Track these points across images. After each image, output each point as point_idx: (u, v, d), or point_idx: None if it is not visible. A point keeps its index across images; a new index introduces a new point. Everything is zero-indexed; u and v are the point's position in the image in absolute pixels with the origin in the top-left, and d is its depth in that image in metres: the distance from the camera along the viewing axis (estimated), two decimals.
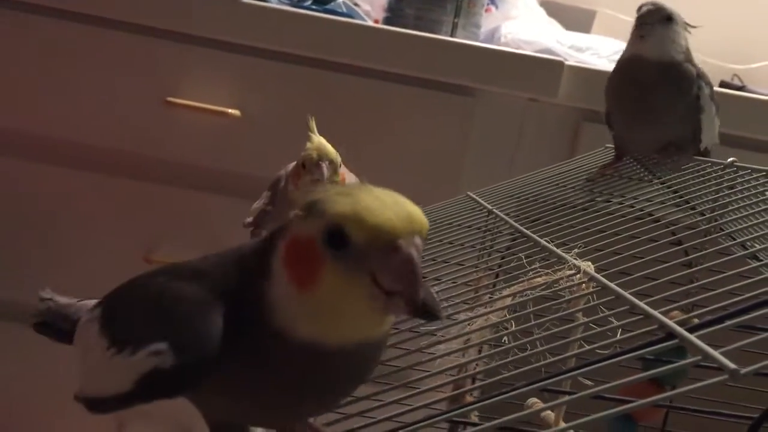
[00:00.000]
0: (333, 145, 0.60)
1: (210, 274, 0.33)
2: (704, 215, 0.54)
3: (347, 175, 0.62)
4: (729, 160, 0.54)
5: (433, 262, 0.59)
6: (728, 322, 0.30)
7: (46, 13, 0.92)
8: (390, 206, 0.29)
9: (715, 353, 0.26)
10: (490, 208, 0.60)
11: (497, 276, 0.59)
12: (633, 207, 0.54)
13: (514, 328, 0.42)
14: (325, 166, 0.57)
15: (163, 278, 0.34)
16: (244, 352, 0.31)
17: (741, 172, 0.52)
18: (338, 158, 0.59)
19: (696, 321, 0.38)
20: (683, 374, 0.49)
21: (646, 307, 0.32)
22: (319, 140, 0.60)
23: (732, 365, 0.25)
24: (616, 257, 0.41)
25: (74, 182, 0.94)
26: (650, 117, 0.64)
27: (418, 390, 0.39)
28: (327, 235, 0.29)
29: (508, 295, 0.44)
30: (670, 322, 0.30)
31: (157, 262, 0.93)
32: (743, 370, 0.25)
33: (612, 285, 0.36)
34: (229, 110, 0.93)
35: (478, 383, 0.49)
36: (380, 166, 0.99)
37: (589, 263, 0.41)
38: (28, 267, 0.95)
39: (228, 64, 0.94)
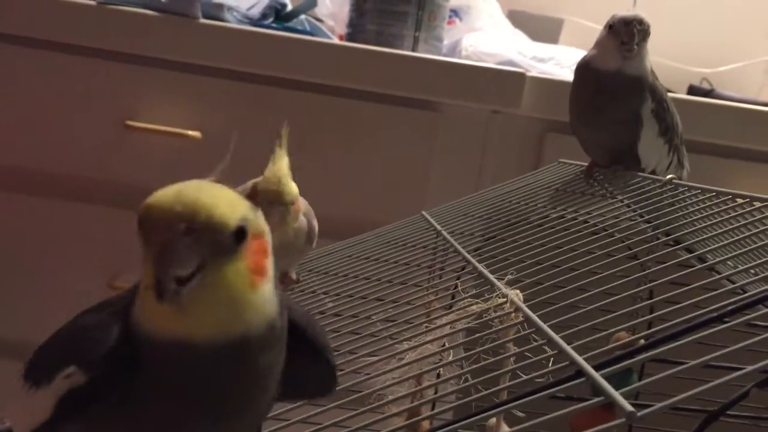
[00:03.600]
0: (291, 166, 0.57)
1: (113, 302, 0.34)
2: (652, 231, 0.53)
3: (301, 203, 0.60)
4: (667, 177, 0.54)
5: (377, 282, 0.58)
6: (637, 357, 0.29)
7: (1, 39, 0.91)
8: (175, 194, 0.29)
9: (616, 394, 0.25)
10: (439, 228, 0.60)
11: (453, 297, 0.58)
12: (588, 222, 0.53)
13: (450, 359, 0.42)
14: (279, 212, 0.53)
15: (75, 317, 0.35)
16: (136, 366, 0.31)
17: (680, 189, 0.52)
18: (292, 193, 0.55)
19: (642, 342, 0.37)
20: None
21: (561, 342, 0.32)
22: (277, 170, 0.56)
23: (629, 407, 0.24)
24: (560, 278, 0.40)
25: (34, 209, 0.93)
26: (594, 120, 0.64)
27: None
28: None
29: (446, 324, 0.44)
30: (579, 359, 0.29)
31: (121, 288, 0.92)
32: (639, 413, 0.24)
33: (533, 316, 0.36)
34: (190, 132, 0.92)
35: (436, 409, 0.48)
36: (345, 184, 0.98)
37: (518, 291, 0.40)
38: None
39: (187, 85, 0.93)
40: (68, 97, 0.92)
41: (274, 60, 0.92)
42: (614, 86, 0.62)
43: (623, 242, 0.53)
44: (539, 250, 0.51)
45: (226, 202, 0.29)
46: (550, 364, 0.37)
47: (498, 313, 0.39)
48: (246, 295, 0.30)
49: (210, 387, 0.30)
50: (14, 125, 0.93)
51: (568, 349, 0.31)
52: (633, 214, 0.57)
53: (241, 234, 0.29)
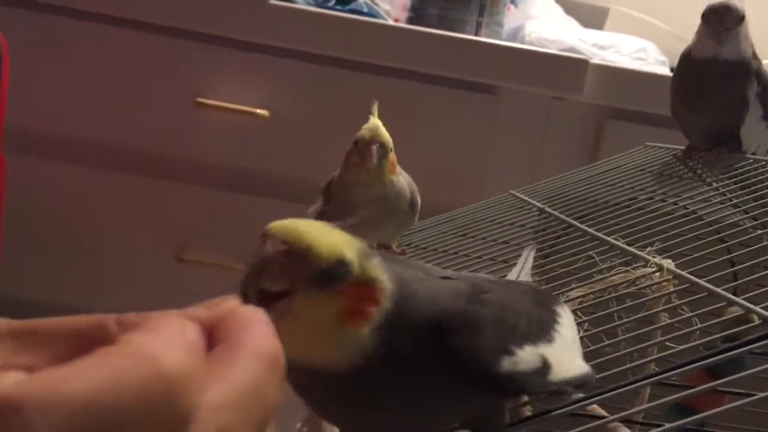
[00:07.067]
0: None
1: None
2: (756, 220, 0.55)
3: (397, 168, 0.62)
4: None
5: (479, 260, 0.60)
6: None
7: (79, 16, 0.92)
8: (291, 223, 0.30)
9: None
10: (542, 206, 0.62)
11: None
12: (687, 209, 0.55)
13: (593, 330, 0.43)
14: (375, 148, 0.56)
15: None
16: None
17: None
18: (391, 143, 0.58)
19: None
20: (743, 367, 0.50)
21: (746, 303, 0.34)
22: (374, 122, 0.59)
23: None
24: (696, 255, 0.42)
25: (105, 183, 0.95)
26: (698, 103, 0.66)
27: None
28: None
29: (583, 295, 0.45)
30: None
31: (188, 262, 0.94)
32: None
33: (701, 281, 0.38)
34: (258, 110, 0.94)
35: None
36: (405, 166, 0.99)
37: (670, 261, 0.42)
38: (59, 268, 0.95)
39: (256, 64, 0.94)
40: (141, 74, 0.93)
41: (340, 41, 0.94)
42: (712, 72, 0.64)
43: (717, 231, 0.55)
44: (654, 231, 0.52)
45: (331, 242, 0.29)
46: (700, 329, 0.39)
47: (648, 283, 0.41)
48: (329, 332, 0.30)
49: (323, 402, 0.32)
50: (89, 100, 0.94)
51: (758, 309, 0.33)
52: (733, 203, 0.58)
53: (335, 275, 0.29)
